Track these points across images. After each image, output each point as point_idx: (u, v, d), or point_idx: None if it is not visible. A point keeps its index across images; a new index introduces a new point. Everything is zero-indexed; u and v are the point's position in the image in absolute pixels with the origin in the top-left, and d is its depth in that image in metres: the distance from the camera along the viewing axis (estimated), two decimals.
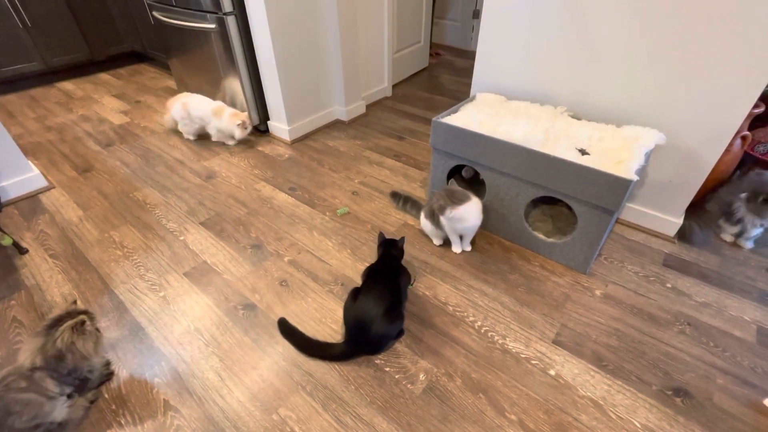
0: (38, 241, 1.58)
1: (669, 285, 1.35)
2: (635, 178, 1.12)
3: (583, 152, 1.30)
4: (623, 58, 1.36)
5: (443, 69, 3.37)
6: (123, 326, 1.24)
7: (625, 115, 1.44)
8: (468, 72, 3.30)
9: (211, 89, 2.36)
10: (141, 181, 1.95)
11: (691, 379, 1.07)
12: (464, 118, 1.50)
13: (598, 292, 1.33)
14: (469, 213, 1.34)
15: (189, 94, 2.23)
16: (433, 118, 1.49)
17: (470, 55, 3.70)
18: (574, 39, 1.43)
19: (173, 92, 2.96)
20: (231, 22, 1.96)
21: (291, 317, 1.26)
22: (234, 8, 1.94)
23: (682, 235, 1.53)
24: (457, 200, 1.32)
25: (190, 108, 2.16)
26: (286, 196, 1.83)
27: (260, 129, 2.37)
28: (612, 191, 1.16)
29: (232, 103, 2.28)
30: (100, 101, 2.85)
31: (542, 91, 1.60)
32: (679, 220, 1.50)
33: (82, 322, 0.95)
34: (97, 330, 1.01)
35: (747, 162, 1.62)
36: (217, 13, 1.95)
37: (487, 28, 1.62)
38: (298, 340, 1.17)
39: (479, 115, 1.51)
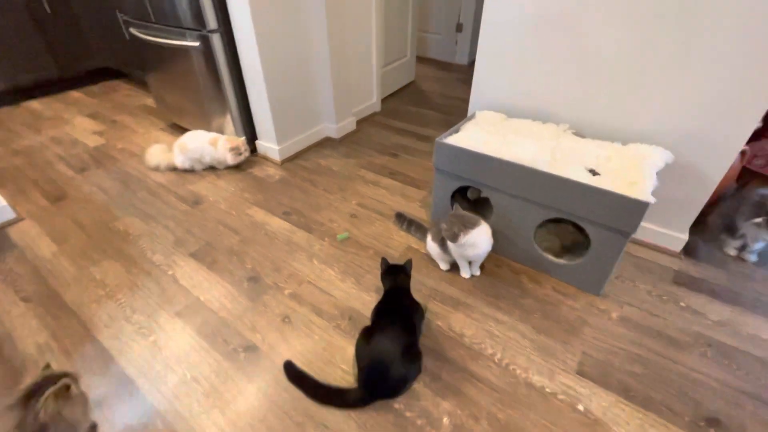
0: (7, 282, 1.43)
1: (683, 304, 1.33)
2: (653, 200, 1.09)
3: (593, 172, 1.27)
4: (625, 74, 1.35)
5: (429, 82, 3.35)
6: (109, 379, 1.12)
7: (628, 132, 1.43)
8: (454, 85, 3.29)
9: (193, 107, 2.24)
10: (121, 208, 1.82)
11: (721, 407, 1.04)
12: (467, 138, 1.46)
13: (614, 315, 1.29)
14: (481, 239, 1.29)
15: (183, 136, 2.07)
16: (437, 139, 1.44)
17: (454, 68, 3.71)
18: (575, 56, 1.42)
19: (151, 110, 2.83)
20: (216, 40, 1.87)
21: (297, 358, 1.16)
22: (219, 25, 1.85)
23: (688, 250, 1.52)
24: (469, 226, 1.26)
25: (188, 145, 2.03)
26: (281, 221, 1.73)
27: (249, 149, 2.26)
28: (629, 213, 1.13)
29: (219, 124, 2.17)
30: (72, 121, 2.68)
31: (543, 109, 1.58)
32: (685, 236, 1.49)
33: (67, 387, 0.83)
34: (82, 392, 0.89)
35: (744, 175, 1.64)
36: (200, 31, 1.86)
37: (485, 45, 1.59)
38: (308, 387, 1.07)
39: (482, 135, 1.47)
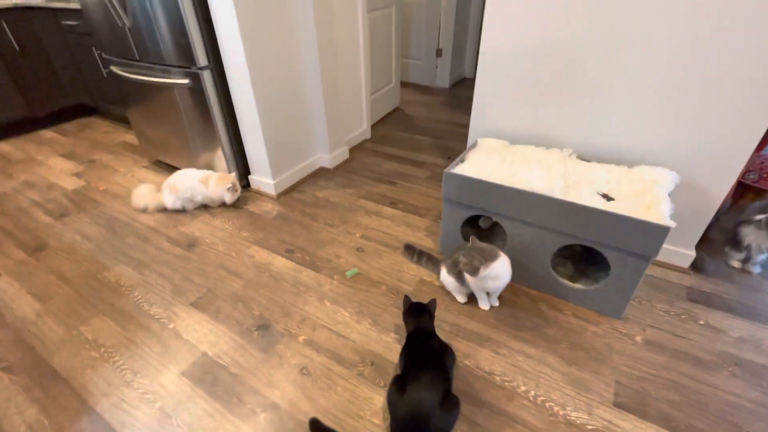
0: None
1: (702, 322, 1.34)
2: (673, 224, 1.10)
3: (607, 197, 1.28)
4: (627, 97, 1.38)
5: (414, 107, 3.39)
6: None
7: (632, 154, 1.45)
8: (438, 108, 3.34)
9: (180, 144, 2.16)
10: (110, 257, 1.70)
11: (761, 429, 1.03)
12: (475, 167, 1.45)
13: (638, 339, 1.28)
14: (502, 270, 1.26)
15: (173, 175, 1.98)
16: (445, 170, 1.43)
17: (436, 92, 3.78)
18: (575, 81, 1.45)
19: (132, 147, 2.71)
20: (207, 77, 1.81)
21: (323, 415, 1.08)
22: (209, 62, 1.80)
23: (696, 266, 1.55)
24: (489, 258, 1.24)
25: (179, 185, 1.93)
26: (285, 261, 1.66)
27: (241, 184, 2.19)
28: (650, 238, 1.13)
29: (207, 160, 2.10)
30: (46, 163, 2.53)
31: (544, 134, 1.60)
32: (692, 252, 1.52)
33: None
34: None
35: (739, 190, 1.70)
36: (190, 68, 1.80)
37: (484, 74, 1.61)
38: None
39: (489, 163, 1.46)
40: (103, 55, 2.17)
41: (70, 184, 2.28)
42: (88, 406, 1.12)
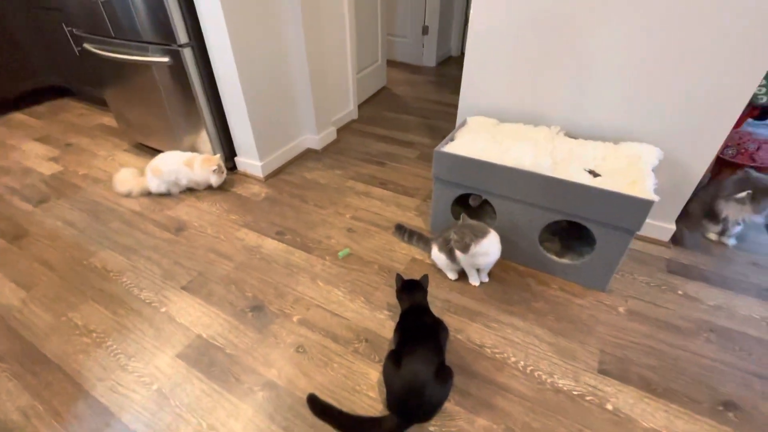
0: None
1: (680, 292, 1.40)
2: (657, 198, 1.13)
3: (593, 173, 1.31)
4: (613, 75, 1.40)
5: (401, 86, 3.35)
6: None
7: (617, 131, 1.48)
8: (425, 87, 3.31)
9: (162, 126, 2.10)
10: (95, 242, 1.66)
11: (734, 390, 1.10)
12: (465, 145, 1.46)
13: (621, 310, 1.34)
14: (492, 247, 1.29)
15: (155, 158, 1.92)
16: (435, 149, 1.43)
17: (423, 71, 3.73)
18: (562, 58, 1.45)
19: (111, 130, 2.62)
20: (188, 54, 1.75)
21: (320, 391, 1.11)
22: (190, 39, 1.73)
23: (675, 239, 1.61)
24: (479, 235, 1.26)
25: (162, 168, 1.88)
26: (276, 243, 1.65)
27: (227, 166, 2.15)
28: (634, 212, 1.17)
29: (191, 142, 2.05)
30: (20, 147, 2.42)
31: (532, 112, 1.61)
32: (672, 226, 1.57)
33: None
34: None
35: (717, 165, 1.75)
36: (170, 46, 1.73)
37: (473, 51, 1.59)
38: (337, 420, 1.02)
39: (479, 142, 1.47)
40: (75, 31, 2.06)
41: (47, 169, 2.20)
42: (84, 391, 1.12)
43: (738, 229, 1.58)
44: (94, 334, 1.28)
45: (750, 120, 2.00)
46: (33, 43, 2.79)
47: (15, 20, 2.68)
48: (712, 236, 1.63)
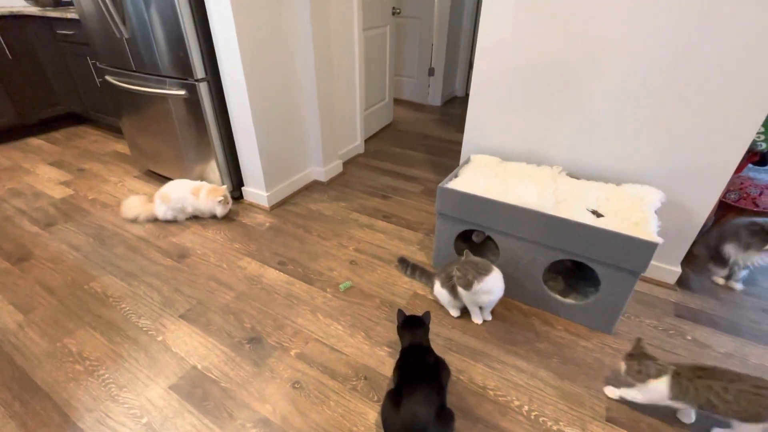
0: None
1: (689, 337, 1.36)
2: (661, 240, 1.13)
3: (596, 214, 1.31)
4: (616, 117, 1.43)
5: (407, 123, 3.44)
6: None
7: (619, 173, 1.50)
8: (430, 125, 3.40)
9: (173, 154, 2.15)
10: (97, 267, 1.66)
11: None
12: (468, 182, 1.48)
13: None
14: (495, 284, 1.27)
15: (166, 185, 1.96)
16: (439, 185, 1.45)
17: (428, 109, 3.85)
18: (563, 100, 1.50)
19: (123, 157, 2.69)
20: (203, 89, 1.83)
21: (315, 431, 1.06)
22: (207, 74, 1.81)
23: (681, 282, 1.59)
24: (483, 273, 1.25)
25: (171, 195, 1.91)
26: (277, 273, 1.65)
27: (233, 196, 2.18)
28: (638, 254, 1.16)
29: (200, 171, 2.09)
30: (34, 171, 2.48)
31: (535, 151, 1.64)
32: (678, 269, 1.55)
33: None
34: None
35: (720, 209, 1.76)
36: (186, 80, 1.81)
37: (477, 91, 1.65)
38: None
39: (482, 179, 1.49)
40: (98, 64, 2.17)
41: (58, 192, 2.24)
42: (71, 422, 1.08)
43: (745, 273, 1.56)
44: (88, 362, 1.25)
45: (751, 165, 2.02)
46: (58, 73, 2.94)
47: (43, 52, 2.84)
48: (719, 280, 1.61)
